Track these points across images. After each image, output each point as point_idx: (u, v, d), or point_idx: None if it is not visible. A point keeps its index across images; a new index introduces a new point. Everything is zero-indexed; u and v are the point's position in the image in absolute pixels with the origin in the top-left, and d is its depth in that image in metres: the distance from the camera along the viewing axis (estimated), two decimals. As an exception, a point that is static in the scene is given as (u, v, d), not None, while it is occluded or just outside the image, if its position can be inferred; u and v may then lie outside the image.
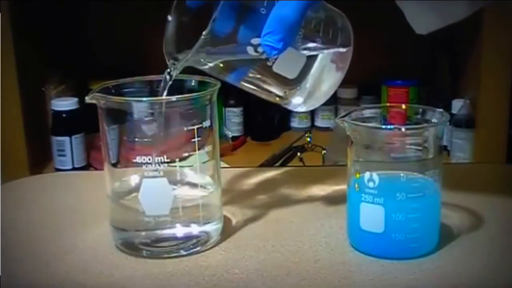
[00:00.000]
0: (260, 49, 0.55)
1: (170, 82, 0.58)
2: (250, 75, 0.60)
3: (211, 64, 0.58)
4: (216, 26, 0.54)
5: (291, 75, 0.59)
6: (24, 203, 0.74)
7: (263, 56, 0.56)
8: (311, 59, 0.59)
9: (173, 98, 0.57)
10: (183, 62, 0.57)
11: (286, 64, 0.58)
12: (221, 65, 0.59)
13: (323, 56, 0.60)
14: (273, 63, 0.58)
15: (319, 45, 0.59)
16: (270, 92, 0.61)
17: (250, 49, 0.56)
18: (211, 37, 0.54)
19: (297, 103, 0.62)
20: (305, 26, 0.56)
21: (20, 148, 1.38)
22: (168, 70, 0.58)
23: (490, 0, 0.65)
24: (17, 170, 1.35)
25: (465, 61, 1.49)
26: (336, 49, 0.60)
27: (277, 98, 0.61)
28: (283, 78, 0.59)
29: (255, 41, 0.55)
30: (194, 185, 0.60)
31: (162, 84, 0.58)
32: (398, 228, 0.57)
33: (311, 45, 0.58)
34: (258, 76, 0.60)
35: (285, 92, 0.61)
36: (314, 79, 0.60)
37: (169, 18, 0.58)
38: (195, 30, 0.54)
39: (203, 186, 0.61)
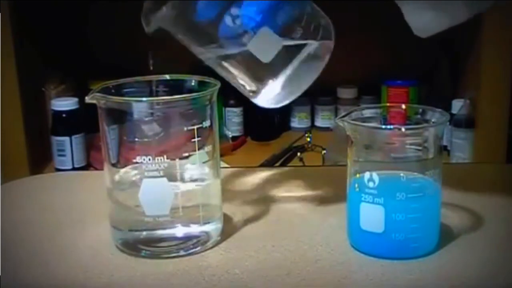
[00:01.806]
0: (238, 21, 0.55)
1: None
2: (225, 55, 0.59)
3: (184, 31, 0.57)
4: None
5: (264, 58, 0.58)
6: (24, 203, 0.74)
7: (240, 30, 0.56)
8: (287, 52, 0.58)
9: (173, 98, 0.57)
10: (158, 17, 0.56)
11: (262, 45, 0.57)
12: (197, 37, 0.58)
13: (300, 51, 0.59)
14: (249, 41, 0.57)
15: (298, 35, 0.58)
16: (243, 79, 0.60)
17: (228, 19, 0.55)
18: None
19: (268, 97, 0.60)
20: (288, 14, 0.56)
21: (20, 148, 1.38)
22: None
23: (490, 1, 0.65)
24: (17, 170, 1.35)
25: (465, 61, 1.49)
26: (315, 43, 0.59)
27: (248, 87, 0.60)
28: (256, 64, 0.58)
29: (234, 11, 0.55)
30: (194, 185, 0.60)
31: None
32: (398, 228, 0.57)
33: (290, 33, 0.57)
34: (233, 58, 0.59)
35: (257, 85, 0.60)
36: (289, 73, 0.59)
37: None
38: None
39: (203, 186, 0.61)
